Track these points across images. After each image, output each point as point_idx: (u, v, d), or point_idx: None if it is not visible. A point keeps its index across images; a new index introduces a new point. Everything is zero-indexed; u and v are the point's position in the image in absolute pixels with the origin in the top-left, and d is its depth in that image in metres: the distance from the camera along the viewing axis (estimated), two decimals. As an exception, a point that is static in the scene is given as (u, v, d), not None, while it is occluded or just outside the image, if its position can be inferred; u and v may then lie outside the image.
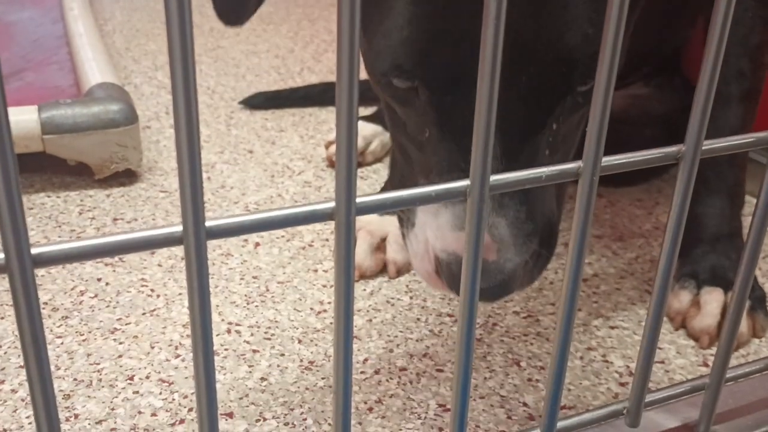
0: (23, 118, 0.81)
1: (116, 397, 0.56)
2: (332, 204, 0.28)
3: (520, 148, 0.45)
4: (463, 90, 0.43)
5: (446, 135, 0.45)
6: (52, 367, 0.59)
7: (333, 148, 0.92)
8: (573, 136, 0.49)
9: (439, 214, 0.46)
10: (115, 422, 0.54)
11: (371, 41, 0.46)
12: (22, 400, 0.56)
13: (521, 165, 0.45)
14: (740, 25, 0.65)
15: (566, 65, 0.43)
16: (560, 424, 0.40)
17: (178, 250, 0.73)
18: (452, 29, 0.42)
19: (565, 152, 0.49)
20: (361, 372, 0.59)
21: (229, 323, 0.65)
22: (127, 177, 0.88)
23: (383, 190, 0.82)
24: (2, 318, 0.65)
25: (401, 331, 0.64)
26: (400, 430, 0.54)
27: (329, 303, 0.67)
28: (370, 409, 0.56)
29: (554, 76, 0.43)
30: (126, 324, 0.64)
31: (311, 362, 0.60)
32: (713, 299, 0.63)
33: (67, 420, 0.54)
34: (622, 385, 0.59)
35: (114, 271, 0.71)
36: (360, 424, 0.54)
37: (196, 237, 0.26)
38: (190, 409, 0.55)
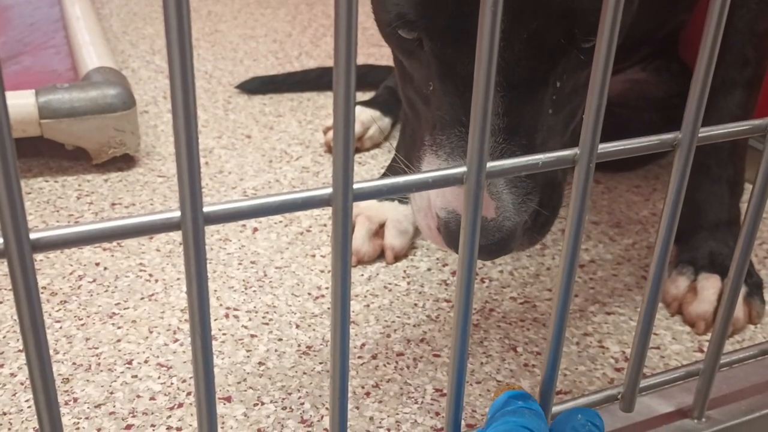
0: (20, 103, 0.81)
1: (115, 381, 0.56)
2: (329, 190, 0.28)
3: (523, 104, 0.45)
4: (465, 41, 0.44)
5: (449, 88, 0.46)
6: (51, 351, 0.59)
7: (331, 134, 0.92)
8: (578, 98, 0.49)
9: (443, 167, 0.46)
10: (114, 406, 0.54)
11: None
12: (22, 383, 0.56)
13: (523, 122, 0.45)
14: (746, 12, 0.65)
15: (569, 18, 0.43)
16: (556, 408, 0.40)
17: (177, 235, 0.73)
18: None
19: (570, 114, 0.49)
20: (359, 357, 0.60)
21: (227, 308, 0.65)
22: (124, 162, 0.88)
23: (386, 172, 0.82)
24: (1, 302, 0.65)
25: (398, 317, 0.64)
26: (397, 414, 0.54)
27: (327, 288, 0.68)
28: (368, 394, 0.56)
29: (556, 30, 0.43)
30: (124, 309, 0.64)
31: (309, 347, 0.60)
32: (710, 285, 0.64)
33: (66, 404, 0.54)
34: (618, 370, 0.59)
35: (112, 255, 0.71)
36: (357, 408, 0.55)
37: (193, 222, 0.26)
38: (189, 393, 0.55)
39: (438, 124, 0.47)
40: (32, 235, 0.25)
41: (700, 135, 0.35)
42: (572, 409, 0.39)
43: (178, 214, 0.26)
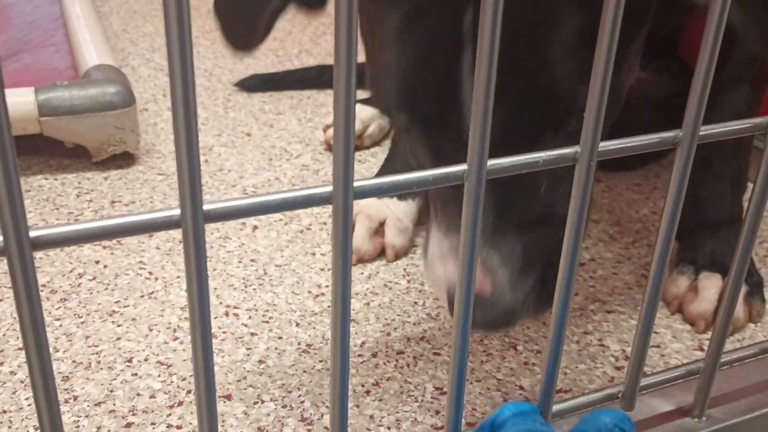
0: (20, 100, 0.81)
1: (115, 379, 0.56)
2: (330, 188, 0.28)
3: (508, 188, 0.45)
4: (449, 124, 0.45)
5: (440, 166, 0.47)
6: (51, 350, 0.59)
7: (331, 132, 0.92)
8: (565, 182, 0.48)
9: (443, 243, 0.48)
10: (114, 404, 0.54)
11: (372, 77, 0.49)
12: (21, 381, 0.56)
13: (513, 203, 0.45)
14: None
15: (548, 97, 0.43)
16: (556, 407, 0.40)
17: (176, 233, 0.73)
18: (437, 70, 0.44)
19: (560, 196, 0.48)
20: (359, 355, 0.60)
21: (227, 306, 0.65)
22: (124, 160, 0.88)
23: (380, 172, 0.82)
24: (1, 300, 0.65)
25: (399, 315, 0.64)
26: (398, 412, 0.54)
27: (327, 286, 0.68)
28: (368, 392, 0.56)
29: (536, 110, 0.43)
30: (124, 307, 0.64)
31: (309, 345, 0.60)
32: (711, 285, 0.64)
33: (66, 402, 0.54)
34: (618, 369, 0.59)
35: (112, 253, 0.71)
36: (357, 406, 0.55)
37: (194, 220, 0.26)
38: (189, 392, 0.55)
39: (441, 198, 0.49)
40: (32, 233, 0.25)
41: (701, 133, 0.35)
42: (600, 410, 0.39)
43: (178, 212, 0.26)
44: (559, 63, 0.42)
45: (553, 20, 0.42)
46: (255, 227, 0.76)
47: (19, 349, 0.59)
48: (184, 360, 0.58)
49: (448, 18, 0.43)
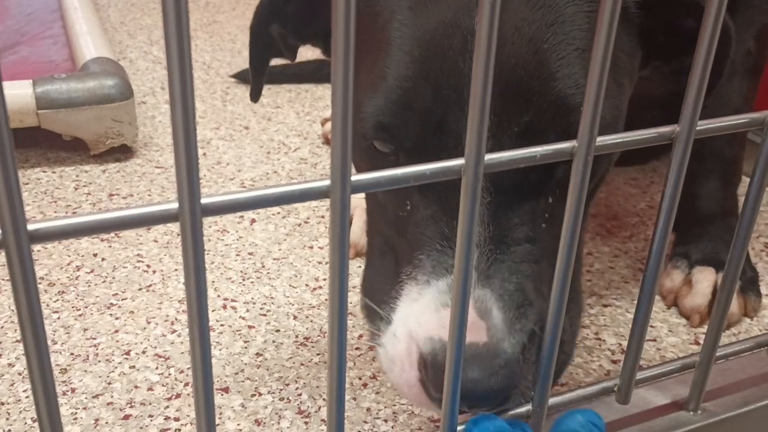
0: (18, 93, 0.81)
1: (113, 371, 0.56)
2: (327, 182, 0.28)
3: (511, 213, 0.41)
4: (445, 144, 0.41)
5: (430, 200, 0.42)
6: (49, 342, 0.59)
7: (329, 126, 0.92)
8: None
9: (420, 296, 0.41)
10: (112, 396, 0.54)
11: (357, 100, 0.44)
12: (19, 374, 0.56)
13: (514, 234, 0.41)
14: (750, 8, 0.65)
15: (560, 111, 0.40)
16: (552, 400, 0.40)
17: (174, 227, 0.73)
18: (436, 90, 0.40)
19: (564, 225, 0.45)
20: (356, 348, 0.60)
21: (225, 299, 0.65)
22: (122, 152, 0.88)
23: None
24: (-2, 293, 0.65)
25: (396, 308, 0.65)
26: (395, 405, 0.54)
27: (324, 280, 0.68)
28: (365, 385, 0.56)
29: (551, 126, 0.40)
30: (122, 299, 0.64)
31: (306, 338, 0.61)
32: (704, 279, 0.64)
33: (64, 394, 0.54)
34: (614, 362, 0.59)
35: (110, 246, 0.71)
36: (354, 399, 0.55)
37: (191, 214, 0.26)
38: (186, 384, 0.55)
39: (417, 245, 0.42)
40: (30, 226, 0.25)
41: (698, 128, 0.35)
42: (570, 411, 0.39)
43: (175, 205, 0.26)
44: (568, 78, 0.40)
45: (563, 25, 0.41)
46: (253, 220, 0.76)
47: (17, 341, 0.59)
48: (182, 353, 0.58)
49: (455, 12, 0.40)
